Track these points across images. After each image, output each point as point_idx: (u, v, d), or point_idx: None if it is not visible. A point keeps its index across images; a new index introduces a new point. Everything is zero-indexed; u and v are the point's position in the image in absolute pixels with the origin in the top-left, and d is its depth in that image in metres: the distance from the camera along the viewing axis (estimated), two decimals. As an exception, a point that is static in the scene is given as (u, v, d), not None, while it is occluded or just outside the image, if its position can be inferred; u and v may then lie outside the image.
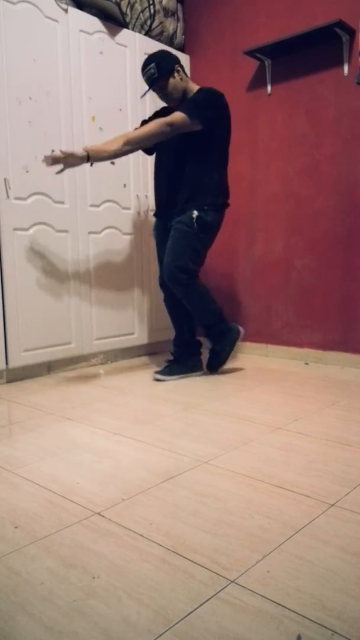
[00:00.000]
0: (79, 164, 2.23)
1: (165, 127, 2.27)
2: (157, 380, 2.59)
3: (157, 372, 2.63)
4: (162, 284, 2.67)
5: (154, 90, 2.50)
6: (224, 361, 2.64)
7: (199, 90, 2.45)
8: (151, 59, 2.44)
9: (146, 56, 3.08)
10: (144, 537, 1.15)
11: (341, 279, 2.87)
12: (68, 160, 2.19)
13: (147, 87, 2.54)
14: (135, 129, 2.50)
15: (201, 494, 1.35)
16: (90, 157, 2.21)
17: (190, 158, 2.44)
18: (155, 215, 2.70)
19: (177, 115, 2.30)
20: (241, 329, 2.64)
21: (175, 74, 2.44)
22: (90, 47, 2.80)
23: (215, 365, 2.65)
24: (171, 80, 2.43)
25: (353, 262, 2.82)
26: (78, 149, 2.32)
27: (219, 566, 1.03)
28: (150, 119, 2.59)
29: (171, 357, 2.76)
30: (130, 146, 2.27)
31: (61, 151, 2.19)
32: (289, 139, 3.00)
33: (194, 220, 2.45)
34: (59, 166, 2.25)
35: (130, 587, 0.97)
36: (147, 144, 2.37)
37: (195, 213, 2.45)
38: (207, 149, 2.44)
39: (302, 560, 1.05)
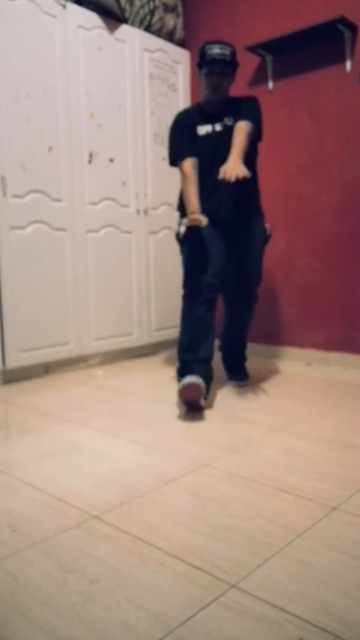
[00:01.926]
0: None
1: (250, 133, 2.24)
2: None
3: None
4: (213, 290, 2.25)
5: (211, 69, 2.24)
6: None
7: (251, 102, 2.33)
8: (229, 45, 2.27)
9: (146, 52, 3.09)
10: (144, 541, 1.14)
11: (344, 277, 2.86)
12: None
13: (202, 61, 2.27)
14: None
15: (201, 497, 1.34)
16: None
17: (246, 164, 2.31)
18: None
19: (248, 124, 2.23)
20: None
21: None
22: (88, 43, 2.78)
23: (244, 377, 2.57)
24: (232, 77, 2.32)
25: (356, 261, 2.81)
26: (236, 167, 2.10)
27: (219, 570, 1.02)
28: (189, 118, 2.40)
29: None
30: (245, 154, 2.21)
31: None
32: (291, 135, 2.99)
33: (268, 231, 2.44)
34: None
35: (129, 591, 0.96)
36: None
37: (267, 224, 2.44)
38: (255, 154, 2.41)
39: (304, 564, 1.04)
